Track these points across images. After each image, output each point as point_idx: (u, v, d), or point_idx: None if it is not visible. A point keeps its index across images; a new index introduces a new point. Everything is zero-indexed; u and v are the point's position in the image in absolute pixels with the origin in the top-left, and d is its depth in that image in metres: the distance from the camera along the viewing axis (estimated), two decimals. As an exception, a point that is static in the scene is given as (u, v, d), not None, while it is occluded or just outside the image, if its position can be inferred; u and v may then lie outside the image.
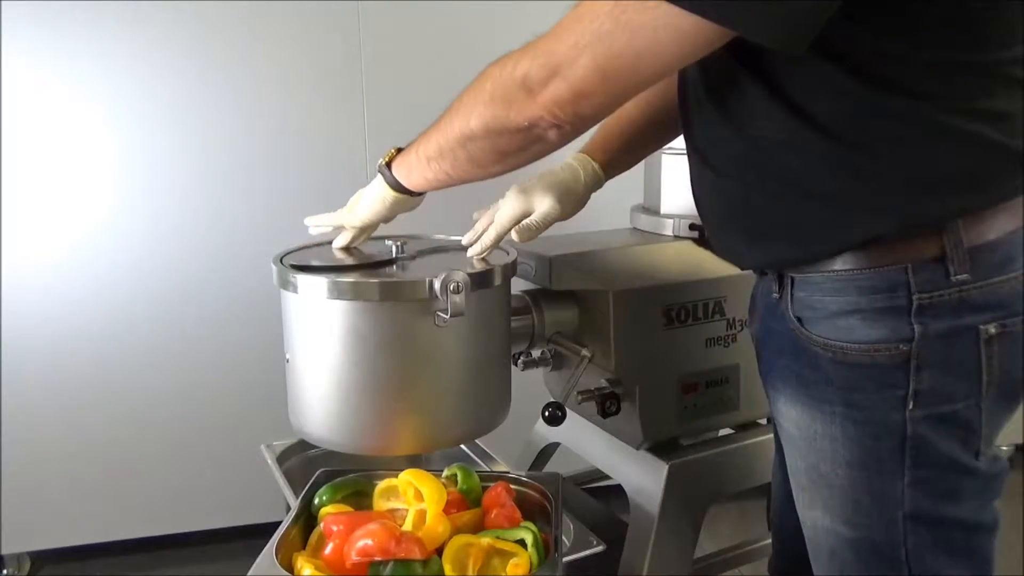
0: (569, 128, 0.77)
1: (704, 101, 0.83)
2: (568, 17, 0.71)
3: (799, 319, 0.82)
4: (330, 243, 1.08)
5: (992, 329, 0.73)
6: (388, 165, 0.96)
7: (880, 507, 0.80)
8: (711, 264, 1.17)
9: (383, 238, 1.08)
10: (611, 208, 1.41)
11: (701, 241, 1.21)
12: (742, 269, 0.95)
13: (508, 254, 1.04)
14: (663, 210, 1.27)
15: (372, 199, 1.00)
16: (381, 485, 0.98)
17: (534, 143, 0.81)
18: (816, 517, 0.86)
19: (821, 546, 0.87)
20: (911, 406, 0.76)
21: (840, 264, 0.77)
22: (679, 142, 1.21)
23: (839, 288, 0.78)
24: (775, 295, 0.86)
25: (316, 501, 0.97)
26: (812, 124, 0.72)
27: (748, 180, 0.80)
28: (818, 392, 0.81)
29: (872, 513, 0.80)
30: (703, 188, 0.89)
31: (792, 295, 0.82)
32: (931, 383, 0.75)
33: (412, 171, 0.93)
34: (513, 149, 0.82)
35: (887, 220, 0.73)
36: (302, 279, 0.93)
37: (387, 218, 1.02)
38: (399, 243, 1.04)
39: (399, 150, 0.96)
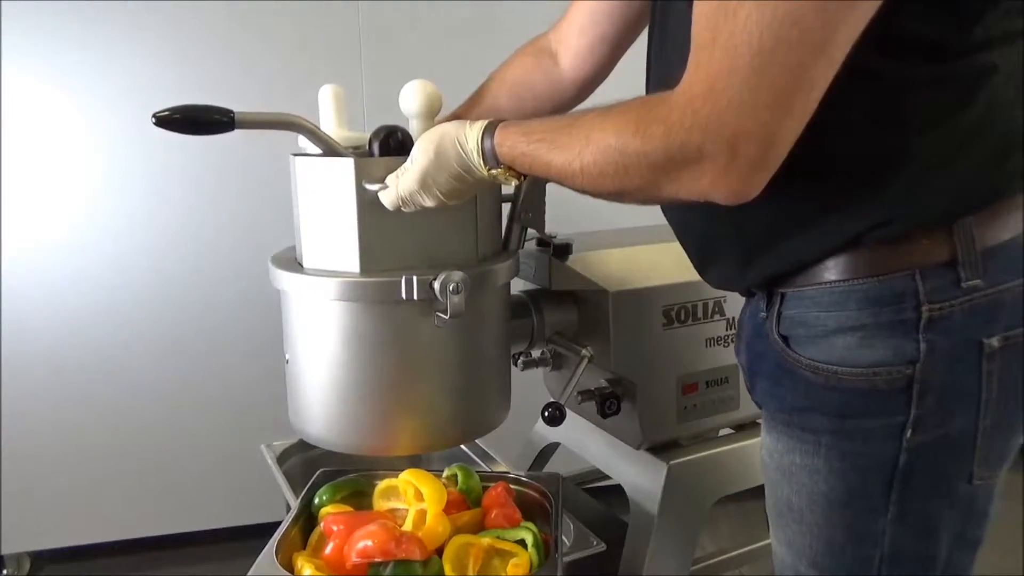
0: None
1: None
2: None
3: (785, 338, 0.74)
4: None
5: (995, 343, 0.67)
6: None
7: (856, 547, 0.73)
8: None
9: None
10: (611, 208, 1.40)
11: None
12: (742, 295, 0.85)
13: (508, 254, 1.04)
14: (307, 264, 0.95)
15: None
16: (381, 485, 0.99)
17: None
18: (782, 554, 0.80)
19: None
20: (909, 434, 0.68)
21: (835, 273, 0.69)
22: None
23: (836, 301, 0.69)
24: (762, 314, 0.78)
25: (316, 501, 0.97)
26: None
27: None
28: (801, 420, 0.74)
29: (845, 553, 0.74)
30: (686, 211, 0.81)
31: (780, 313, 0.74)
32: (931, 407, 0.68)
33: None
34: None
35: (886, 212, 0.65)
36: (302, 279, 0.93)
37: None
38: None
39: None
